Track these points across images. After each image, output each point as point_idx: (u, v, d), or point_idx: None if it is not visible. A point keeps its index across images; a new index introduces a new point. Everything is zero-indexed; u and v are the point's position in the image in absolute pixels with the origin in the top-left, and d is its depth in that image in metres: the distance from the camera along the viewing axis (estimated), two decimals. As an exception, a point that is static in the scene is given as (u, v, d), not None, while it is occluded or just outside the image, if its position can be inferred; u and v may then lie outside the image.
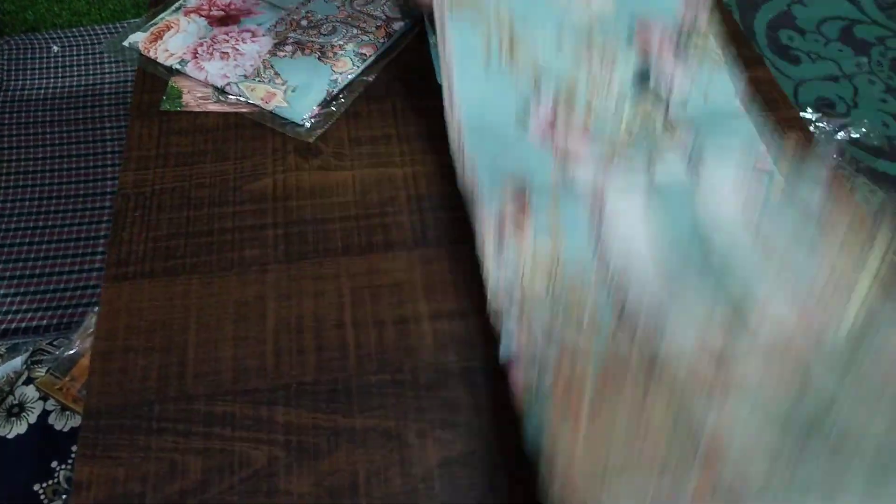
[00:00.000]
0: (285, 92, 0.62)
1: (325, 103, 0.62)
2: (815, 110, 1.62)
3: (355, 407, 0.45)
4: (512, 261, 0.48)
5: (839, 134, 1.50)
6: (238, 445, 0.44)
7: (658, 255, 0.49)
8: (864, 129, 1.52)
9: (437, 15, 0.58)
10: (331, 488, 0.42)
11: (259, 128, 0.61)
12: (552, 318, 0.46)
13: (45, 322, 1.29)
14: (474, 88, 0.57)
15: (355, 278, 0.52)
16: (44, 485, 0.99)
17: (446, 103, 0.56)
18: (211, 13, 0.68)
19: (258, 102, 0.61)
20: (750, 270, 0.48)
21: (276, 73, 0.63)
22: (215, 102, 0.62)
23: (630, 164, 0.55)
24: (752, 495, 0.38)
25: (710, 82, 0.61)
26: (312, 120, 0.61)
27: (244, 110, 0.62)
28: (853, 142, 1.56)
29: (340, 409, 0.45)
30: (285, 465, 0.43)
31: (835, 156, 1.52)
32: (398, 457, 0.44)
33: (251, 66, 0.64)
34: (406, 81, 0.65)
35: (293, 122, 0.61)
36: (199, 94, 0.63)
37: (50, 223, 1.42)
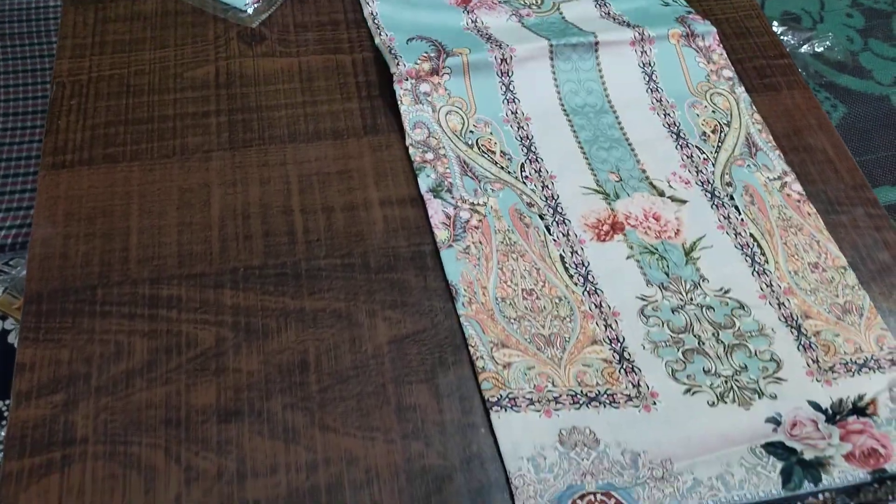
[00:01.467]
0: None
1: (270, -10, 0.59)
2: (781, 24, 1.61)
3: (304, 290, 0.45)
4: (428, 104, 0.52)
5: (803, 48, 1.49)
6: (185, 327, 0.43)
7: (560, 106, 0.55)
8: (828, 44, 1.51)
9: None
10: (280, 365, 0.42)
11: (199, 14, 0.58)
12: (467, 149, 0.51)
13: (-2, 241, 1.26)
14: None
15: (303, 166, 0.50)
16: (6, 402, 0.99)
17: None
18: None
19: None
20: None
21: None
22: (153, -13, 0.59)
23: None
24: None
25: None
26: (255, 5, 0.58)
27: (184, -4, 0.59)
28: (817, 56, 1.55)
29: (289, 291, 0.45)
30: (234, 345, 0.43)
31: (799, 70, 1.53)
32: (348, 336, 0.44)
33: None
34: (356, -32, 0.62)
35: (235, 7, 0.58)
36: (137, -22, 0.59)
37: (-3, 140, 1.36)
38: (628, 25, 0.58)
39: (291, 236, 0.47)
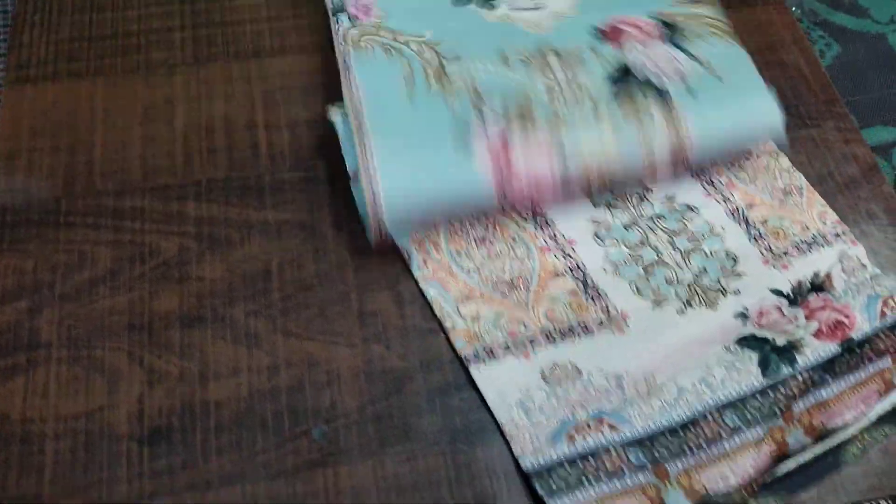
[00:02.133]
0: None
1: None
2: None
3: (268, 202, 0.45)
4: None
5: (799, -17, 1.46)
6: (148, 237, 0.43)
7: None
8: (824, -22, 1.48)
9: (339, 60, 0.47)
10: (244, 274, 0.43)
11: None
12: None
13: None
14: (396, 120, 0.44)
15: (267, 81, 0.50)
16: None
17: (359, 154, 0.43)
18: None
19: None
20: None
21: None
22: None
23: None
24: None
25: (719, 61, 0.48)
26: None
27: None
28: (813, -8, 1.52)
29: (253, 203, 0.45)
30: (197, 255, 0.43)
31: (794, 8, 1.49)
32: (312, 246, 0.44)
33: None
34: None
35: None
36: None
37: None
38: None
39: (255, 149, 0.47)
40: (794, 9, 1.70)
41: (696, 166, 0.47)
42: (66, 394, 0.38)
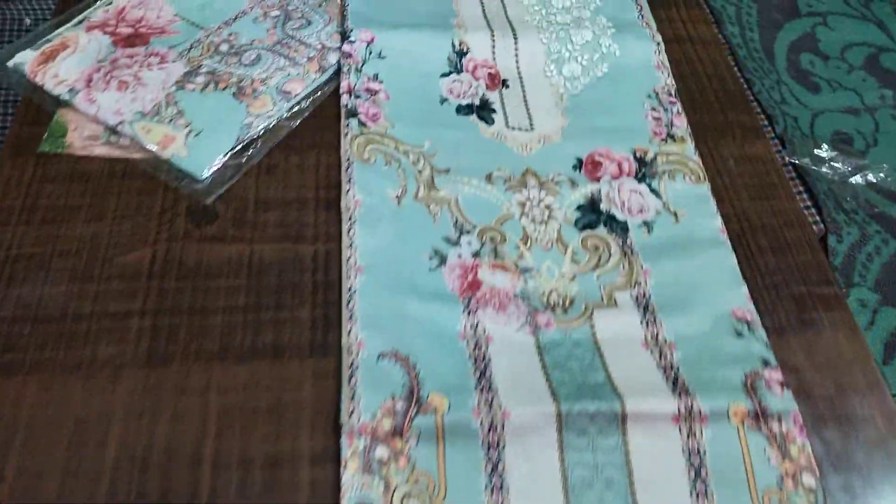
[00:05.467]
0: (187, 136, 0.52)
1: (235, 153, 0.52)
2: (832, 146, 1.51)
3: (198, 578, 0.36)
4: (380, 478, 0.39)
5: (855, 177, 1.38)
6: None
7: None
8: (882, 174, 1.40)
9: (343, 162, 0.52)
10: None
11: (150, 180, 0.51)
12: None
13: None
14: (382, 231, 0.48)
15: (228, 394, 0.42)
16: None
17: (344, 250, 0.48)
18: (118, 30, 0.58)
19: (153, 147, 0.51)
20: None
21: (180, 112, 0.53)
22: (104, 144, 0.52)
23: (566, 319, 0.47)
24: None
25: (683, 201, 0.52)
26: (213, 175, 0.51)
27: (137, 156, 0.52)
28: (869, 185, 1.44)
29: (178, 580, 0.36)
30: None
31: (848, 199, 1.41)
32: None
33: (151, 100, 0.53)
34: (337, 131, 0.54)
35: (190, 174, 0.51)
36: (88, 133, 0.53)
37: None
38: (675, 378, 0.43)
39: (194, 498, 0.38)
40: (848, 199, 1.63)
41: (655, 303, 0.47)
42: None
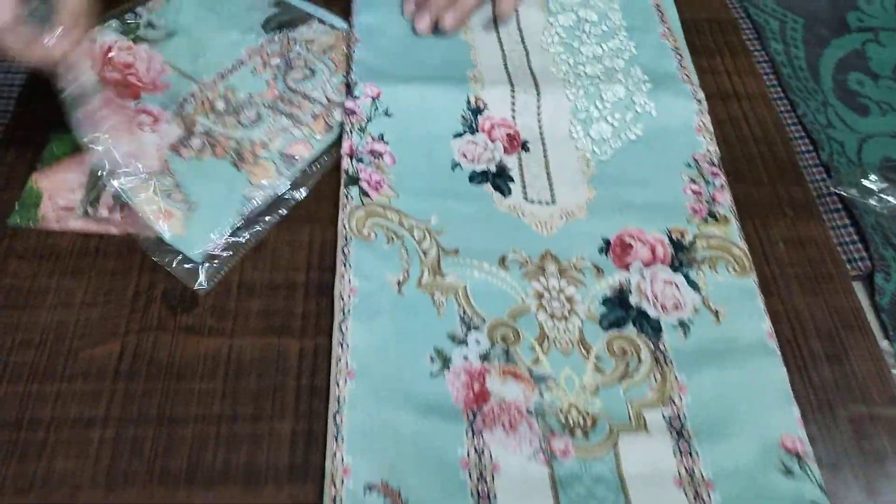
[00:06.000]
0: (185, 212, 0.46)
1: (234, 232, 0.47)
2: (881, 175, 1.41)
3: None
4: None
5: (910, 212, 1.29)
6: None
7: None
8: (939, 209, 1.30)
9: (340, 239, 0.46)
10: None
11: (124, 258, 0.46)
12: None
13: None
14: (379, 326, 0.43)
15: (196, 530, 0.37)
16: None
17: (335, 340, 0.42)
18: (105, 73, 0.52)
19: (150, 220, 0.46)
20: None
21: (177, 185, 0.47)
22: (81, 217, 0.47)
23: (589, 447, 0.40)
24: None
25: (725, 296, 0.45)
26: (210, 262, 0.46)
27: (114, 231, 0.47)
28: (925, 221, 1.34)
29: None
30: None
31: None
32: None
33: (146, 167, 0.48)
34: (336, 201, 0.49)
35: (183, 259, 0.45)
36: (63, 203, 0.48)
37: None
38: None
39: None
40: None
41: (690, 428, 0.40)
42: None
